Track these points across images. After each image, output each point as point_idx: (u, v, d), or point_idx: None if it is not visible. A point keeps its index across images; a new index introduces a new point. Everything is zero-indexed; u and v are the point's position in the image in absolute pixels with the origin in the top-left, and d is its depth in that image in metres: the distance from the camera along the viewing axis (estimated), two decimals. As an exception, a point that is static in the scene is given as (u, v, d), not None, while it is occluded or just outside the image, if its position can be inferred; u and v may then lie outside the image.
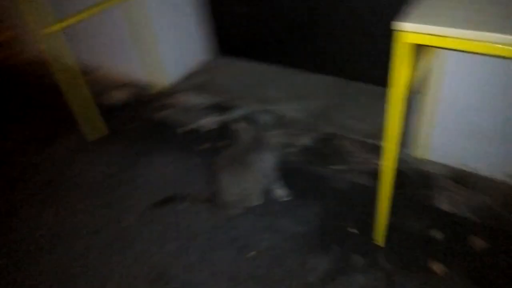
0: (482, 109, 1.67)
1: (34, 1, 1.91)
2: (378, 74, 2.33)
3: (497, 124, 1.67)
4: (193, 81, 2.86)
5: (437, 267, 1.49)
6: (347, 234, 1.67)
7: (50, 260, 1.72)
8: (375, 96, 2.42)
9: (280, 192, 1.85)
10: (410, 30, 1.06)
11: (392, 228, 1.64)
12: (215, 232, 1.75)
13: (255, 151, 1.73)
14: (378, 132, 2.13)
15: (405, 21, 1.05)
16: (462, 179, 1.83)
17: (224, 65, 3.02)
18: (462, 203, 1.72)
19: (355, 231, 1.67)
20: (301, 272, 1.55)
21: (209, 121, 2.43)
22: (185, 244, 1.71)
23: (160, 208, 1.88)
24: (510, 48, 0.94)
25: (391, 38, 1.15)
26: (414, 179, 1.87)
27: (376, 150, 2.05)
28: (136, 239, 1.76)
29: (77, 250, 1.74)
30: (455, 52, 1.52)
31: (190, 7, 2.82)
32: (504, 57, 0.98)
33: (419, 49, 1.27)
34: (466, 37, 0.98)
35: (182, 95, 2.73)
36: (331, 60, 2.62)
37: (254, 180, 1.74)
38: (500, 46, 0.95)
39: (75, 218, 1.90)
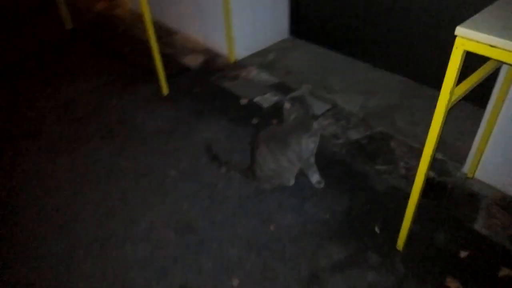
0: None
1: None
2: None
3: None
4: (263, 58, 2.94)
5: (453, 285, 1.45)
6: (369, 232, 1.67)
7: (99, 191, 1.94)
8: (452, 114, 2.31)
9: (314, 178, 1.88)
10: (462, 36, 1.03)
11: (419, 236, 1.62)
12: (244, 200, 1.84)
13: (297, 133, 1.77)
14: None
15: (461, 26, 1.03)
16: (507, 205, 1.72)
17: (296, 47, 3.06)
18: (500, 229, 1.63)
19: (379, 231, 1.67)
20: (314, 255, 1.59)
21: (268, 98, 2.50)
22: (215, 204, 1.83)
23: (201, 167, 2.02)
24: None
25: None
26: (457, 195, 1.79)
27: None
28: (173, 190, 1.92)
29: (122, 188, 1.95)
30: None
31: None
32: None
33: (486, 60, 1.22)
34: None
35: (250, 69, 2.82)
36: (404, 60, 2.53)
37: (290, 161, 1.79)
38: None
39: (125, 161, 2.11)
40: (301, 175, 1.90)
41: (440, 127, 1.22)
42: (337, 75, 2.68)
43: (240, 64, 2.89)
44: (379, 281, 1.49)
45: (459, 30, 1.04)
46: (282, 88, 2.59)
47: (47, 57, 3.18)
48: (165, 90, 2.61)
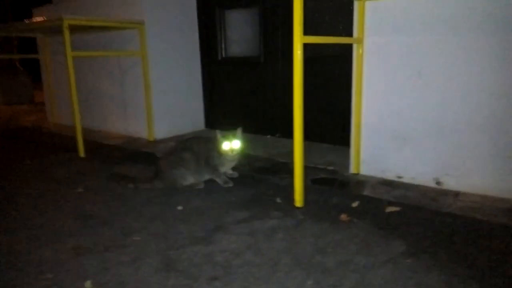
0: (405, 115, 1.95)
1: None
2: (330, 136, 2.73)
3: (412, 131, 1.91)
4: (179, 137, 3.25)
5: (345, 217, 1.55)
6: (272, 202, 1.78)
7: (26, 208, 1.86)
8: (324, 149, 2.72)
9: (222, 180, 2.01)
10: None
11: (316, 202, 1.77)
12: (152, 199, 1.88)
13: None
14: (318, 162, 2.37)
15: None
16: (388, 183, 1.97)
17: (206, 132, 3.46)
18: (384, 193, 1.83)
19: (280, 201, 1.78)
20: (221, 219, 1.63)
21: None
22: (119, 202, 1.84)
23: (111, 186, 2.05)
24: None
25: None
26: (347, 182, 2.02)
27: (313, 170, 2.24)
28: (90, 199, 1.91)
29: (48, 196, 1.89)
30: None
31: (185, 92, 3.47)
32: None
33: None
34: None
35: (167, 143, 3.09)
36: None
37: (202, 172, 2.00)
38: None
39: (48, 188, 2.08)
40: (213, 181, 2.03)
41: (301, 71, 1.57)
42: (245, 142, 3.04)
43: (159, 141, 3.15)
44: (280, 224, 1.54)
45: None
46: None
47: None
48: (81, 154, 2.73)
